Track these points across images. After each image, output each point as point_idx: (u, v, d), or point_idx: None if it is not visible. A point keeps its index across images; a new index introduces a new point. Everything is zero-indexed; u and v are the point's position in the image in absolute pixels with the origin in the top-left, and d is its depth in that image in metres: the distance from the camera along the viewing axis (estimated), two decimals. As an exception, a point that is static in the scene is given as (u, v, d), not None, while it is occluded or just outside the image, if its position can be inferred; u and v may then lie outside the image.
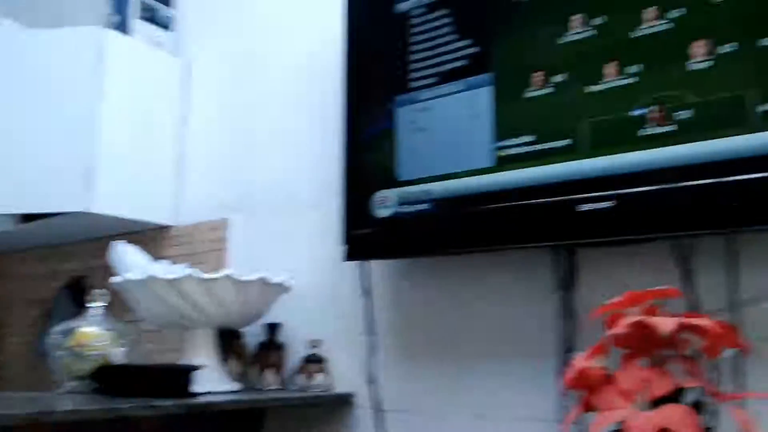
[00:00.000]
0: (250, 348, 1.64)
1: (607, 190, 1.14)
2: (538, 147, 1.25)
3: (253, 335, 1.64)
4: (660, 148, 1.11)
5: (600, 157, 1.17)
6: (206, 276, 1.41)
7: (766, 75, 1.04)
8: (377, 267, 1.53)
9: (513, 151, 1.28)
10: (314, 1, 1.80)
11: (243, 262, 1.75)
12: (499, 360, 1.34)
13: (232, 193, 1.88)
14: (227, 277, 1.42)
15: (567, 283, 1.26)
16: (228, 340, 1.59)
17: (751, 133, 1.03)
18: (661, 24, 1.15)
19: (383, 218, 1.43)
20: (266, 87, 1.87)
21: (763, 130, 1.02)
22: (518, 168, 1.26)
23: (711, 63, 1.09)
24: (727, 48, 1.07)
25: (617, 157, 1.15)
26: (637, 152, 1.13)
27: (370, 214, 1.45)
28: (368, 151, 1.49)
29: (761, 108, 1.03)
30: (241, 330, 1.63)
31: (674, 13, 1.14)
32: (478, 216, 1.30)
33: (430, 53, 1.44)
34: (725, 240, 1.11)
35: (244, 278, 1.44)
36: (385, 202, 1.44)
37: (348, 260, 1.47)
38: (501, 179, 1.28)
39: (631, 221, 1.12)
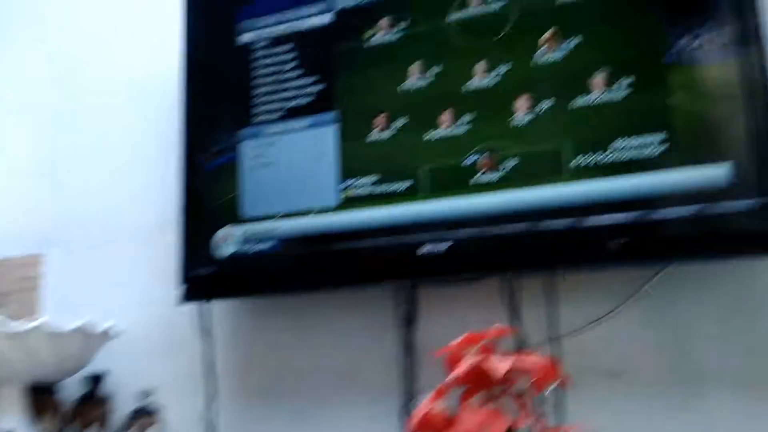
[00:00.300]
0: (68, 403, 1.47)
1: (443, 233, 1.20)
2: (381, 189, 1.28)
3: (72, 388, 1.47)
4: (489, 194, 1.20)
5: (437, 201, 1.23)
6: (15, 328, 1.24)
7: (578, 131, 1.17)
8: (218, 306, 1.47)
9: (357, 191, 1.30)
10: (152, 12, 1.69)
11: (59, 304, 1.59)
12: (344, 401, 1.35)
13: (47, 223, 1.69)
14: (40, 328, 1.27)
15: (408, 321, 1.31)
16: (41, 397, 1.41)
17: (565, 183, 1.15)
18: (490, 78, 1.24)
19: (226, 257, 1.38)
20: (91, 104, 1.71)
21: (575, 182, 1.14)
22: (362, 208, 1.29)
23: (532, 117, 1.20)
24: (545, 105, 1.19)
25: (453, 202, 1.22)
26: (469, 197, 1.21)
27: (212, 252, 1.39)
28: (210, 184, 1.43)
29: (574, 162, 1.15)
30: (58, 384, 1.46)
31: (501, 69, 1.24)
32: (323, 255, 1.30)
33: (274, 87, 1.42)
34: (545, 279, 1.22)
35: (60, 329, 1.29)
36: (228, 240, 1.39)
37: (186, 302, 1.39)
38: (345, 219, 1.30)
39: (465, 262, 1.20)
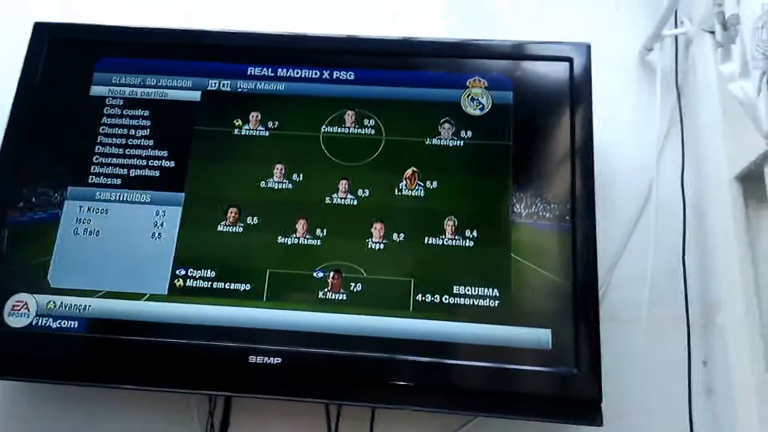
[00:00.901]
0: None
1: (278, 346, 1.15)
2: (218, 285, 1.21)
3: None
4: (332, 314, 1.18)
5: (276, 311, 1.19)
6: None
7: (426, 269, 1.21)
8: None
9: (191, 282, 1.21)
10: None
11: None
12: None
13: None
14: None
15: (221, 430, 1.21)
16: None
17: (408, 318, 1.17)
18: (350, 198, 1.26)
19: (15, 329, 1.18)
20: None
21: (417, 318, 1.17)
22: (194, 302, 1.19)
23: (384, 246, 1.23)
24: (399, 237, 1.23)
25: (293, 314, 1.18)
26: (311, 313, 1.18)
27: (1, 321, 1.18)
28: (16, 239, 1.23)
29: (420, 296, 1.19)
30: None
31: (363, 192, 1.27)
32: (135, 346, 1.17)
33: (120, 151, 1.31)
34: (367, 409, 1.21)
35: None
36: (22, 309, 1.19)
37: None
38: (172, 310, 1.19)
39: (296, 378, 1.14)
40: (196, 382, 1.15)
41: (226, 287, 1.20)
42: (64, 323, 1.18)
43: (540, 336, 1.14)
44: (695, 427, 1.19)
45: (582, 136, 1.24)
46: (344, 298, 1.19)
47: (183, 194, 1.27)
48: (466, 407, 1.16)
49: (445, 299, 1.18)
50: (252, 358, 1.13)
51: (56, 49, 1.34)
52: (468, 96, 1.30)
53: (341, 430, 1.20)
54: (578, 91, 1.26)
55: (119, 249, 1.24)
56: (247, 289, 1.20)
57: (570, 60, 1.28)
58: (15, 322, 1.18)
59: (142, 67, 1.36)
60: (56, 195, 1.27)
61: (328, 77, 1.33)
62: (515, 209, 1.22)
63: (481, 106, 1.29)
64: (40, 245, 1.23)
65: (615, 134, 1.36)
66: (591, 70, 1.27)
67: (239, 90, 1.34)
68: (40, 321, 1.18)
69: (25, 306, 1.19)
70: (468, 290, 1.18)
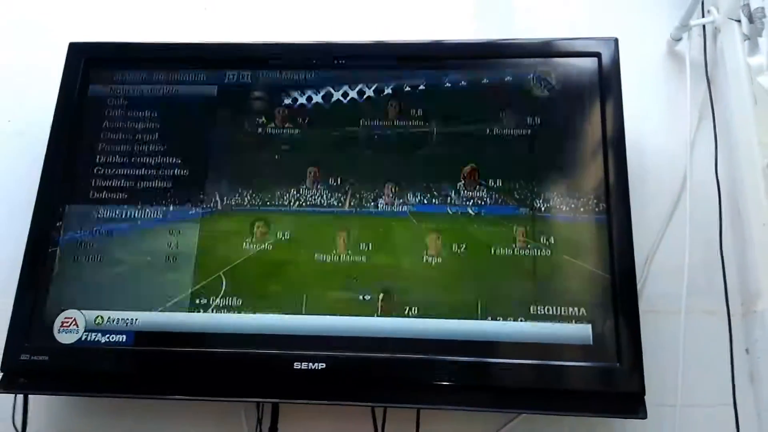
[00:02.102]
0: None
1: (322, 351, 1.16)
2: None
3: None
4: (373, 318, 1.19)
5: (319, 317, 1.19)
6: None
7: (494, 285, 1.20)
8: (41, 400, 1.27)
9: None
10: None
11: None
12: None
13: None
14: None
15: (269, 437, 1.23)
16: None
17: (450, 318, 1.18)
18: (397, 204, 1.27)
19: (65, 345, 1.21)
20: None
21: (458, 318, 1.18)
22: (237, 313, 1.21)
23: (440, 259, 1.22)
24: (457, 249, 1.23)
25: (335, 319, 1.18)
26: (353, 317, 1.18)
27: (49, 337, 1.21)
28: (62, 258, 1.26)
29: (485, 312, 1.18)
30: None
31: (411, 198, 1.27)
32: (185, 357, 1.19)
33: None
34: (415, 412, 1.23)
35: None
36: (72, 326, 1.22)
37: (4, 392, 1.18)
38: (217, 321, 1.20)
39: (340, 384, 1.15)
40: (243, 390, 1.17)
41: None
42: (113, 337, 1.21)
43: (581, 332, 1.15)
44: (740, 415, 1.19)
45: (613, 129, 1.24)
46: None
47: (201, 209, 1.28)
48: (510, 405, 1.17)
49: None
50: (297, 365, 1.15)
51: (91, 68, 1.37)
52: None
53: (388, 430, 1.21)
54: (608, 85, 1.26)
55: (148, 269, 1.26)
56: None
57: (598, 55, 1.28)
58: (65, 338, 1.21)
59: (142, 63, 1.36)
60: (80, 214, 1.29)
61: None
62: (554, 205, 1.22)
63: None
64: (87, 261, 1.26)
65: (646, 126, 1.36)
66: (619, 63, 1.27)
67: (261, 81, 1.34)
68: (89, 336, 1.21)
69: (74, 322, 1.22)
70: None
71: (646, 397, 1.10)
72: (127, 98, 1.35)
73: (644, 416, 1.09)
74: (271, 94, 1.34)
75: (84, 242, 1.27)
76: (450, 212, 1.24)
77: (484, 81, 1.30)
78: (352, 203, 1.26)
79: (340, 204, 1.26)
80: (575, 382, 1.13)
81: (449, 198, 1.25)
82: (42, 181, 1.29)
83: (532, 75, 1.30)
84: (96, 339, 1.21)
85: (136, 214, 1.28)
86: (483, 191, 1.25)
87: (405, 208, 1.25)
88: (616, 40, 1.29)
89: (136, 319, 1.21)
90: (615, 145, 1.23)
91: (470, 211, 1.24)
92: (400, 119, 1.30)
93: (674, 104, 1.39)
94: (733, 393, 1.20)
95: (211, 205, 1.28)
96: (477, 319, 1.17)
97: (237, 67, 1.35)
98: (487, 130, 1.27)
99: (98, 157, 1.31)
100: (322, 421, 1.24)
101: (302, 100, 1.33)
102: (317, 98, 1.33)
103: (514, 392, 1.14)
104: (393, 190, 1.26)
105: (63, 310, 1.22)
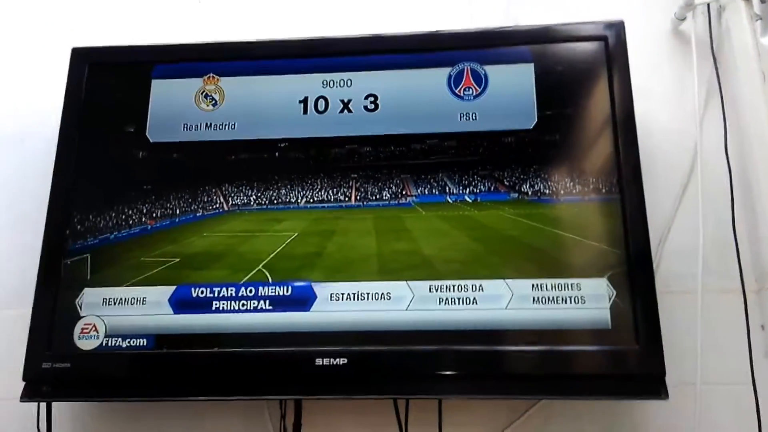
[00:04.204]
0: None
1: (343, 346, 1.16)
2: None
3: None
4: (393, 312, 1.20)
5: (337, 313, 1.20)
6: None
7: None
8: (64, 406, 1.27)
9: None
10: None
11: None
12: None
13: None
14: None
15: (294, 433, 1.24)
16: None
17: (467, 310, 1.19)
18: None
19: (86, 351, 1.21)
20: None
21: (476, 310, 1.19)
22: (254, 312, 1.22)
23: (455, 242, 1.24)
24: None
25: (355, 315, 1.19)
26: (372, 312, 1.19)
27: (70, 344, 1.21)
28: (76, 265, 1.26)
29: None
30: None
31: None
32: (207, 358, 1.19)
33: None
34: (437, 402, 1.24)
35: None
36: (92, 332, 1.22)
37: (28, 401, 1.19)
38: (238, 321, 1.21)
39: (362, 378, 1.16)
40: (266, 388, 1.18)
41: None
42: (134, 341, 1.21)
43: (599, 316, 1.16)
44: (759, 392, 1.20)
45: (623, 111, 1.24)
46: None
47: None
48: (531, 392, 1.18)
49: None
50: (318, 361, 1.16)
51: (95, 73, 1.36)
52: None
53: (411, 422, 1.22)
54: (615, 67, 1.26)
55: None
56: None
57: (605, 38, 1.28)
58: (85, 344, 1.22)
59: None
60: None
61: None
62: (564, 187, 1.23)
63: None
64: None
65: (654, 107, 1.37)
66: (626, 46, 1.27)
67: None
68: (109, 341, 1.21)
69: (93, 328, 1.23)
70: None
71: (666, 377, 1.11)
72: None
73: (666, 397, 1.10)
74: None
75: (97, 248, 1.27)
76: (450, 201, 1.26)
77: (486, 69, 1.30)
78: (357, 197, 1.28)
79: (346, 198, 1.27)
80: (595, 366, 1.14)
81: (447, 188, 1.27)
82: (53, 188, 1.28)
83: (537, 61, 1.29)
84: (117, 344, 1.21)
85: (147, 218, 1.29)
86: (486, 179, 1.26)
87: (409, 199, 1.26)
88: (621, 23, 1.28)
89: (157, 323, 1.22)
90: (625, 126, 1.23)
91: (470, 199, 1.25)
92: (397, 113, 1.30)
93: (681, 84, 1.39)
94: (751, 370, 1.21)
95: (217, 206, 1.29)
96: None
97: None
98: (494, 119, 1.28)
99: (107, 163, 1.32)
100: (346, 416, 1.26)
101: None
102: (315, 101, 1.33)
103: (534, 379, 1.14)
104: (397, 183, 1.28)
105: (82, 317, 1.23)
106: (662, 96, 1.40)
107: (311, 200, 1.29)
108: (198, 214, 1.29)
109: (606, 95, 1.26)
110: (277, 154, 1.31)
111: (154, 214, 1.30)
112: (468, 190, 1.27)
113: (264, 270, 1.23)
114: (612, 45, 1.28)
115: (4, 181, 1.47)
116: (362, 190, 1.28)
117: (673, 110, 1.39)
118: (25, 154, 1.47)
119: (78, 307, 1.23)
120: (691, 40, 1.39)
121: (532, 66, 1.29)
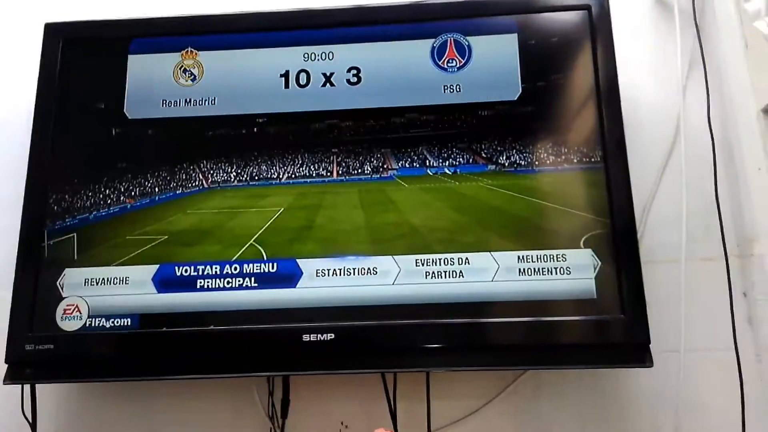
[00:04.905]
0: None
1: (330, 322, 1.16)
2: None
3: None
4: (379, 287, 1.19)
5: (324, 289, 1.20)
6: None
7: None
8: (48, 388, 1.26)
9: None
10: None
11: None
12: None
13: None
14: None
15: (283, 411, 1.24)
16: None
17: (452, 283, 1.19)
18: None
19: (69, 332, 1.19)
20: None
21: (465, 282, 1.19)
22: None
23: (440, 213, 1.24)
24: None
25: (342, 290, 1.19)
26: (358, 287, 1.19)
27: (52, 325, 1.19)
28: (56, 246, 1.24)
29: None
30: None
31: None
32: (192, 337, 1.18)
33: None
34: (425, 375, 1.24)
35: None
36: (75, 312, 1.21)
37: (11, 383, 1.17)
38: (223, 298, 1.20)
39: (349, 353, 1.16)
40: (254, 365, 1.17)
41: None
42: (117, 321, 1.20)
43: (584, 285, 1.16)
44: (741, 358, 1.22)
45: (606, 81, 1.24)
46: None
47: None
48: (517, 363, 1.19)
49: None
50: (306, 337, 1.15)
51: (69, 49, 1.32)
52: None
53: (399, 395, 1.23)
54: (599, 37, 1.25)
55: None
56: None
57: (588, 7, 1.27)
58: (68, 325, 1.20)
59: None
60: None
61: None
62: (548, 158, 1.23)
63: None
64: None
65: (637, 77, 1.37)
66: (610, 15, 1.26)
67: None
68: (93, 322, 1.20)
69: (76, 309, 1.21)
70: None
71: (650, 345, 1.12)
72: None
73: (651, 364, 1.12)
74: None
75: (77, 229, 1.25)
76: (431, 173, 1.26)
77: (470, 40, 1.29)
78: (339, 172, 1.26)
79: (328, 173, 1.26)
80: (581, 336, 1.15)
81: (429, 161, 1.26)
82: (30, 169, 1.26)
83: (520, 31, 1.28)
84: (100, 324, 1.20)
85: (126, 196, 1.27)
86: (466, 152, 1.25)
87: (390, 173, 1.26)
88: (605, -8, 1.27)
89: (142, 302, 1.20)
90: (609, 96, 1.23)
91: (450, 171, 1.25)
92: (380, 86, 1.28)
93: (664, 53, 1.39)
94: (734, 336, 1.22)
95: (197, 183, 1.27)
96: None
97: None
98: (477, 92, 1.27)
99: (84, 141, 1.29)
100: (334, 391, 1.26)
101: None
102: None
103: (521, 349, 1.15)
104: (378, 157, 1.27)
105: (64, 298, 1.21)
106: (645, 66, 1.40)
107: (293, 176, 1.28)
108: (178, 192, 1.27)
109: (590, 65, 1.25)
110: (258, 129, 1.29)
111: (133, 193, 1.27)
112: (449, 162, 1.26)
113: (256, 244, 1.22)
114: (596, 14, 1.27)
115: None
116: (344, 164, 1.27)
117: (657, 80, 1.39)
118: (8, 136, 1.43)
119: (60, 288, 1.21)
120: (674, 9, 1.38)
121: (516, 36, 1.28)
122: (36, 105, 1.29)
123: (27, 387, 1.22)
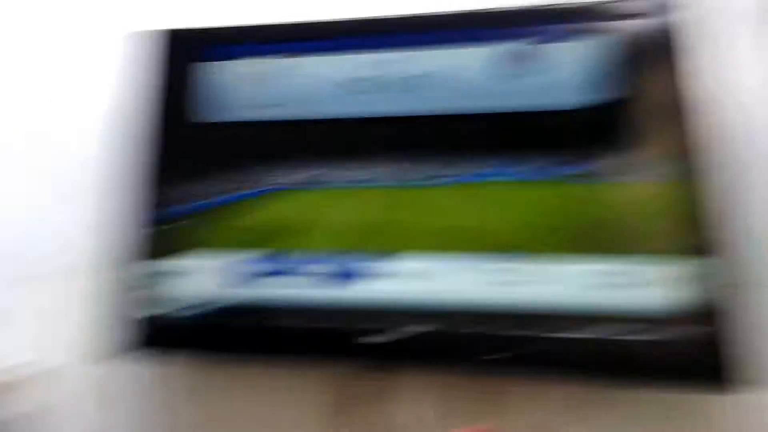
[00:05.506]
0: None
1: (389, 324, 1.17)
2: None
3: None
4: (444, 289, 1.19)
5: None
6: None
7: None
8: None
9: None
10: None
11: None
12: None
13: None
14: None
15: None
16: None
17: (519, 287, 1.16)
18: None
19: (159, 318, 1.26)
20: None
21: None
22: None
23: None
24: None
25: (402, 292, 1.20)
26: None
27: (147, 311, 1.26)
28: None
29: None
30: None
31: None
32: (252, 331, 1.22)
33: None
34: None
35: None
36: (164, 299, 1.28)
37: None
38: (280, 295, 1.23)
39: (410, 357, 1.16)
40: (314, 363, 1.21)
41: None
42: (211, 309, 1.24)
43: (668, 301, 1.10)
44: None
45: (688, 88, 1.17)
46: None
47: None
48: (594, 380, 1.13)
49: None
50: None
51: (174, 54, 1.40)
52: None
53: (464, 406, 1.21)
54: (678, 44, 1.19)
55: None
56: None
57: (665, 14, 1.21)
58: (158, 311, 1.26)
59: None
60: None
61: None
62: (627, 166, 1.18)
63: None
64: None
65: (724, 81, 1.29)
66: (690, 23, 1.20)
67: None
68: (186, 310, 1.25)
69: (168, 296, 1.26)
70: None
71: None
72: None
73: (735, 391, 1.04)
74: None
75: (174, 220, 1.31)
76: (508, 179, 1.23)
77: (542, 47, 1.26)
78: (417, 175, 1.26)
79: (407, 177, 1.27)
80: (664, 355, 1.08)
81: (505, 167, 1.23)
82: (137, 166, 1.34)
83: (596, 39, 1.24)
84: (194, 312, 1.24)
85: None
86: (542, 158, 1.22)
87: (467, 177, 1.24)
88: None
89: (210, 296, 1.25)
90: (693, 103, 1.16)
91: (528, 178, 1.22)
92: (449, 91, 1.28)
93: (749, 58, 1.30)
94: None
95: (271, 185, 1.30)
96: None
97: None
98: (548, 98, 1.24)
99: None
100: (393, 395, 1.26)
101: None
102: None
103: (599, 366, 1.10)
104: (455, 161, 1.26)
105: (159, 285, 1.27)
106: (732, 73, 1.31)
107: (365, 179, 1.28)
108: (254, 191, 1.31)
109: (670, 72, 1.19)
110: (325, 133, 1.31)
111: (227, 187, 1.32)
112: (526, 168, 1.23)
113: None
114: (675, 21, 1.21)
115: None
116: (421, 168, 1.26)
117: (745, 85, 1.29)
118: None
119: (157, 275, 1.28)
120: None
121: (589, 43, 1.24)
122: (139, 108, 1.38)
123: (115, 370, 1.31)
